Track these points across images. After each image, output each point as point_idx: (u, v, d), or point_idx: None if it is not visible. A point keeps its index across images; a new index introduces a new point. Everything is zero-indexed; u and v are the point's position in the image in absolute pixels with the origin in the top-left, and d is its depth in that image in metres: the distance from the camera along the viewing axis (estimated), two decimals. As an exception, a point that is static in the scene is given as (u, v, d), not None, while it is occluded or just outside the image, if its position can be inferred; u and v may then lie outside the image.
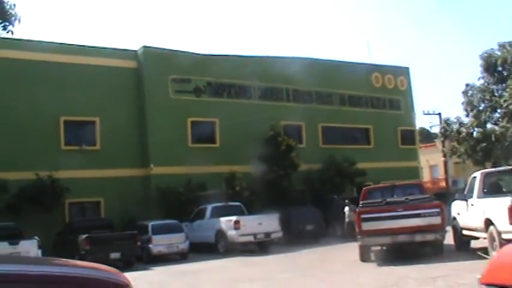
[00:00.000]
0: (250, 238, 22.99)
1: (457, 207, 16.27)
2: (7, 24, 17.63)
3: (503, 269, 3.79)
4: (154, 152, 29.11)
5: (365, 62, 40.17)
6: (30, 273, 3.04)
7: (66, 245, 21.39)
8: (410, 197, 16.88)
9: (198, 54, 32.15)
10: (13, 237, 18.92)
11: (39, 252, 18.79)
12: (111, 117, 28.16)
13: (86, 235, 20.60)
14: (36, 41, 27.84)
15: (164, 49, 31.15)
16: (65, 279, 3.11)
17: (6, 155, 24.98)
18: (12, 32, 18.41)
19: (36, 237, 19.50)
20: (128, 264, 20.27)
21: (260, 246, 23.65)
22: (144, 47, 30.72)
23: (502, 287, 3.62)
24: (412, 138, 41.11)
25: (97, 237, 20.93)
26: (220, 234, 23.41)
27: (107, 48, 30.22)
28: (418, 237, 15.46)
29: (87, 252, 19.72)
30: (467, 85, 40.28)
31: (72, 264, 4.02)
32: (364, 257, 16.30)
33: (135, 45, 33.63)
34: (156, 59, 30.42)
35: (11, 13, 17.42)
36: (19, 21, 17.74)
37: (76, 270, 3.37)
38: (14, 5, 17.57)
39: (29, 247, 18.81)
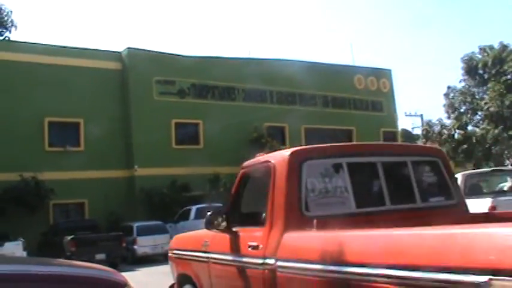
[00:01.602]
0: (234, 239, 23.03)
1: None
2: (4, 30, 17.50)
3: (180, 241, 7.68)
4: (139, 153, 29.11)
5: (348, 64, 40.41)
6: (34, 273, 3.18)
7: (51, 247, 21.28)
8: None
9: (182, 56, 32.22)
10: (-1, 239, 18.90)
11: (24, 254, 18.70)
12: (96, 118, 28.01)
13: (71, 236, 20.55)
14: (20, 42, 27.75)
15: (148, 51, 31.18)
16: (68, 278, 3.24)
17: (-10, 156, 24.86)
18: (9, 38, 18.22)
19: (21, 239, 19.45)
20: (112, 265, 20.15)
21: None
22: (129, 48, 30.73)
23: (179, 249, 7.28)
24: (394, 140, 41.34)
25: (82, 239, 20.91)
26: (204, 235, 23.44)
27: (92, 49, 30.14)
28: None
29: (73, 253, 19.61)
30: (448, 87, 40.82)
31: (71, 264, 4.16)
32: None
33: (120, 47, 33.60)
34: (140, 61, 30.41)
35: (7, 20, 17.29)
36: (15, 27, 17.56)
37: (77, 270, 3.50)
38: (11, 11, 17.36)
39: (14, 248, 18.70)
